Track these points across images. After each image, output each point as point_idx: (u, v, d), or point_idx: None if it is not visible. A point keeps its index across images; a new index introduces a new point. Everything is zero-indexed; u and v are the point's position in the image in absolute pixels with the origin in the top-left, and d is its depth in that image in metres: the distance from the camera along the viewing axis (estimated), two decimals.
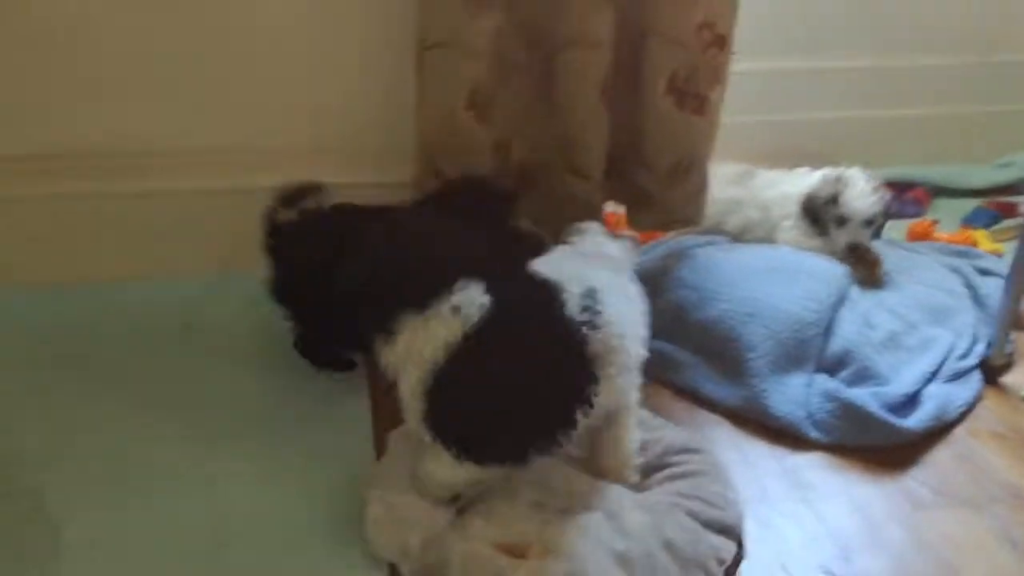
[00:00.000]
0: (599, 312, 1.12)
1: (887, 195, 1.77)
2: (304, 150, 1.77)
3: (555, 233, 1.72)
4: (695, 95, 1.61)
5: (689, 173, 1.68)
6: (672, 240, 1.84)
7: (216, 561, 1.15)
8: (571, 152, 1.64)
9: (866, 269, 1.71)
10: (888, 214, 1.79)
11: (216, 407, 1.43)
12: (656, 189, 1.69)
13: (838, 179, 1.75)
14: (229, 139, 1.75)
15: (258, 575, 1.15)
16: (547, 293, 1.12)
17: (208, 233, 1.74)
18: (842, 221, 1.72)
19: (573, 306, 1.11)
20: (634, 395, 1.23)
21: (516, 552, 1.08)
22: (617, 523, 1.13)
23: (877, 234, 1.78)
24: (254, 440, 1.36)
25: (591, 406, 1.11)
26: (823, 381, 1.46)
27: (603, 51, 1.56)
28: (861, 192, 1.72)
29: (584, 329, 1.10)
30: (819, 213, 1.74)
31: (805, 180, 1.80)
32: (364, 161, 1.77)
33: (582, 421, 1.11)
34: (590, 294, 1.13)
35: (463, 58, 1.53)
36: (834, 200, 1.73)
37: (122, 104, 1.70)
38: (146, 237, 1.75)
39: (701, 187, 1.72)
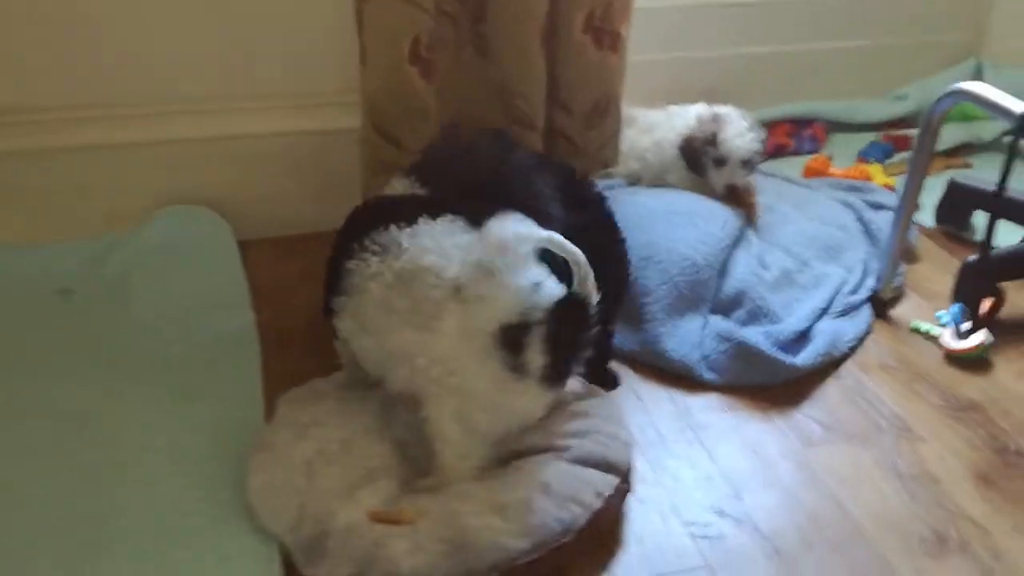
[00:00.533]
0: None
1: (763, 132, 1.77)
2: (235, 99, 1.71)
3: None
4: (610, 32, 1.60)
5: (606, 114, 1.68)
6: None
7: (95, 547, 1.10)
8: (512, 101, 1.60)
9: (744, 209, 1.71)
10: (764, 152, 1.78)
11: (91, 375, 1.37)
12: (575, 132, 1.68)
13: (713, 119, 1.73)
14: (148, 90, 1.68)
15: (141, 550, 1.11)
16: None
17: (97, 193, 1.67)
18: (721, 162, 1.71)
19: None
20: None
21: (389, 519, 1.07)
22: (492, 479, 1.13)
23: (752, 171, 1.76)
24: (134, 407, 1.31)
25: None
26: (717, 322, 1.47)
27: None
28: (738, 132, 1.70)
29: None
30: (697, 155, 1.72)
31: (680, 122, 1.78)
32: (305, 110, 1.72)
33: None
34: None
35: (402, 7, 1.46)
36: (711, 142, 1.71)
37: (8, 59, 1.61)
38: (26, 199, 1.67)
39: (616, 128, 1.72)
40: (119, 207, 1.69)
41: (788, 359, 1.41)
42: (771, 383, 1.41)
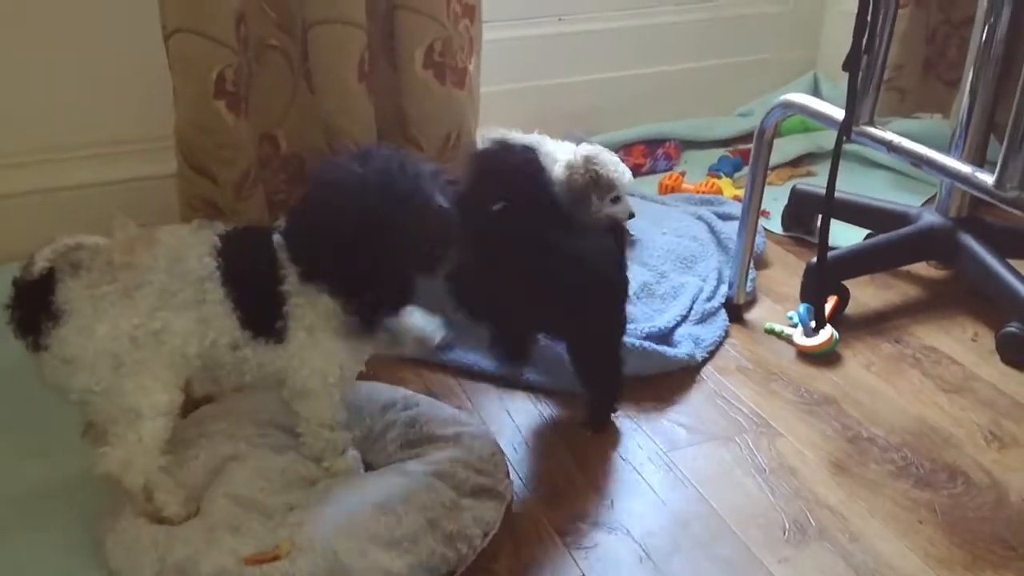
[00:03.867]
0: None
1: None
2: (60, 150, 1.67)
3: None
4: (453, 68, 1.61)
5: (458, 148, 1.68)
6: None
7: None
8: (338, 138, 1.59)
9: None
10: None
11: None
12: None
13: (588, 161, 1.75)
14: None
15: None
16: None
17: None
18: (616, 199, 1.76)
19: None
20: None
21: (266, 559, 1.05)
22: (380, 507, 1.13)
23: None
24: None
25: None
26: None
27: (355, 29, 1.52)
28: (615, 166, 1.75)
29: None
30: (582, 196, 1.74)
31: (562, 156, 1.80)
32: (126, 157, 1.69)
33: None
34: None
35: (203, 43, 1.44)
36: (596, 183, 1.74)
37: None
38: None
39: None
40: None
41: (653, 347, 1.46)
42: (642, 376, 1.46)
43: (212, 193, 1.53)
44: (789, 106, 1.50)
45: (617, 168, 1.76)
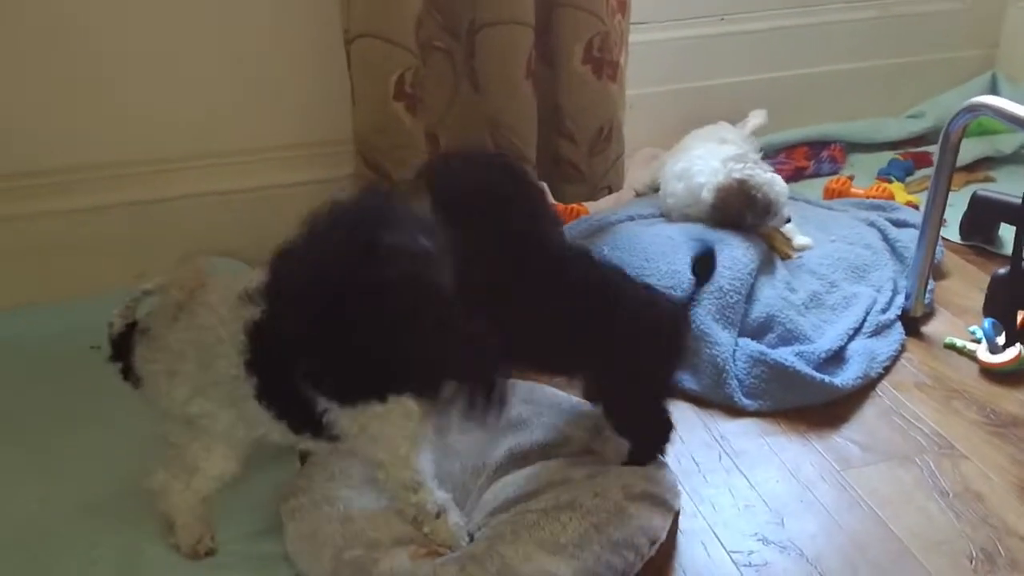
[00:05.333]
0: None
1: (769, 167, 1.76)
2: (238, 154, 1.73)
3: None
4: (609, 62, 1.62)
5: (610, 140, 1.69)
6: (594, 217, 1.83)
7: None
8: (503, 135, 1.62)
9: (780, 243, 1.71)
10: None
11: (128, 424, 1.37)
12: (580, 159, 1.69)
13: (743, 185, 1.67)
14: (171, 148, 1.70)
15: None
16: None
17: (120, 248, 1.69)
18: (767, 215, 1.70)
19: None
20: None
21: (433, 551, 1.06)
22: (545, 512, 1.12)
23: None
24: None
25: None
26: (747, 345, 1.46)
27: (524, 28, 1.54)
28: (772, 185, 1.68)
29: None
30: (739, 215, 1.69)
31: (708, 167, 1.74)
32: (303, 160, 1.74)
33: None
34: None
35: (386, 47, 1.49)
36: (752, 207, 1.67)
37: (24, 122, 1.63)
38: (50, 257, 1.69)
39: (620, 153, 1.73)
40: (149, 261, 1.70)
41: (827, 379, 1.39)
42: (809, 405, 1.40)
43: None
44: (978, 108, 1.41)
45: (773, 188, 1.68)
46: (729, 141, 1.86)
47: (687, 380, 1.44)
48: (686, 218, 1.76)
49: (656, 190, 1.87)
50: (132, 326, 1.10)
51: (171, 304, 1.08)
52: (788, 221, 1.73)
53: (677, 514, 1.20)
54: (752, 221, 1.68)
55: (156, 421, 1.13)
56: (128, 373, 1.10)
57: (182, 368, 1.05)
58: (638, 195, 1.93)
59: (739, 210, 1.68)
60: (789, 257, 1.69)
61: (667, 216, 1.80)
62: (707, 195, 1.70)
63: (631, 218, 1.79)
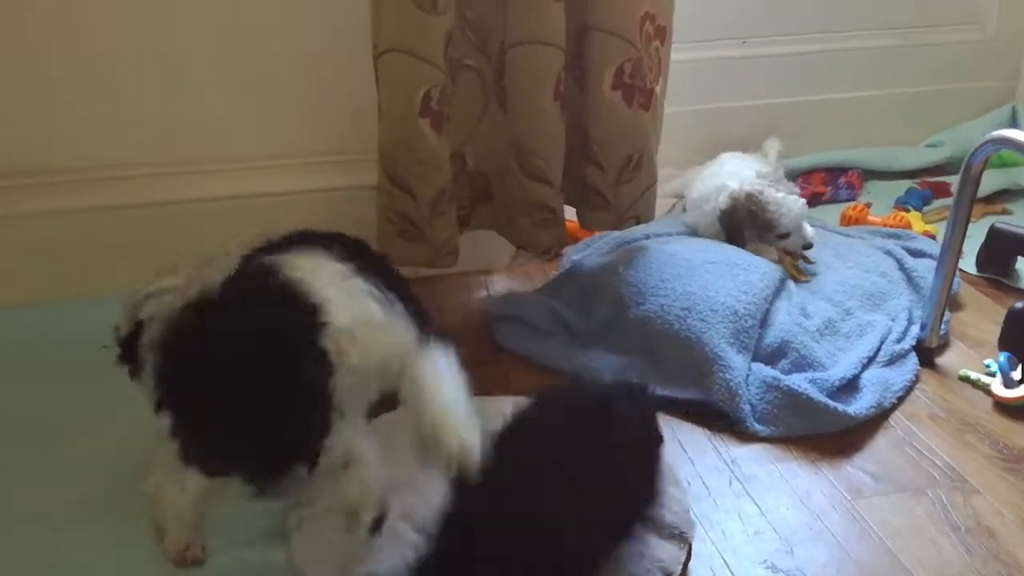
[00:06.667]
0: None
1: (797, 189, 1.79)
2: (259, 159, 1.74)
3: (516, 239, 1.70)
4: (641, 89, 1.59)
5: (639, 169, 1.66)
6: (610, 235, 1.83)
7: None
8: (528, 157, 1.60)
9: (791, 266, 1.72)
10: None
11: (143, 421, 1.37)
12: (607, 187, 1.66)
13: (749, 198, 1.73)
14: (171, 153, 1.70)
15: None
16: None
17: (140, 248, 1.69)
18: (784, 235, 1.72)
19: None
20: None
21: None
22: None
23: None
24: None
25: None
26: (760, 370, 1.45)
27: (554, 50, 1.52)
28: (779, 205, 1.71)
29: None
30: (738, 229, 1.74)
31: (742, 176, 1.79)
32: (327, 165, 1.75)
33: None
34: None
35: (413, 63, 1.47)
36: (753, 221, 1.72)
37: (48, 120, 1.64)
38: (68, 255, 1.69)
39: (651, 182, 1.70)
40: (164, 262, 1.70)
41: (841, 407, 1.39)
42: (822, 433, 1.39)
43: (409, 208, 1.56)
44: (1002, 141, 1.41)
45: (779, 208, 1.70)
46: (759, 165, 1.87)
47: (699, 403, 1.43)
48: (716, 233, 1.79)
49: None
50: (139, 326, 1.11)
51: (180, 304, 1.08)
52: (809, 247, 1.73)
53: (690, 546, 1.19)
54: (752, 235, 1.72)
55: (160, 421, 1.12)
56: (136, 373, 1.11)
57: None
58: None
59: (740, 221, 1.72)
60: (801, 280, 1.69)
61: (694, 230, 1.83)
62: (721, 200, 1.74)
63: (647, 236, 1.78)
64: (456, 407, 1.00)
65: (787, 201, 1.71)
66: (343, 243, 1.18)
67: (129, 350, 1.11)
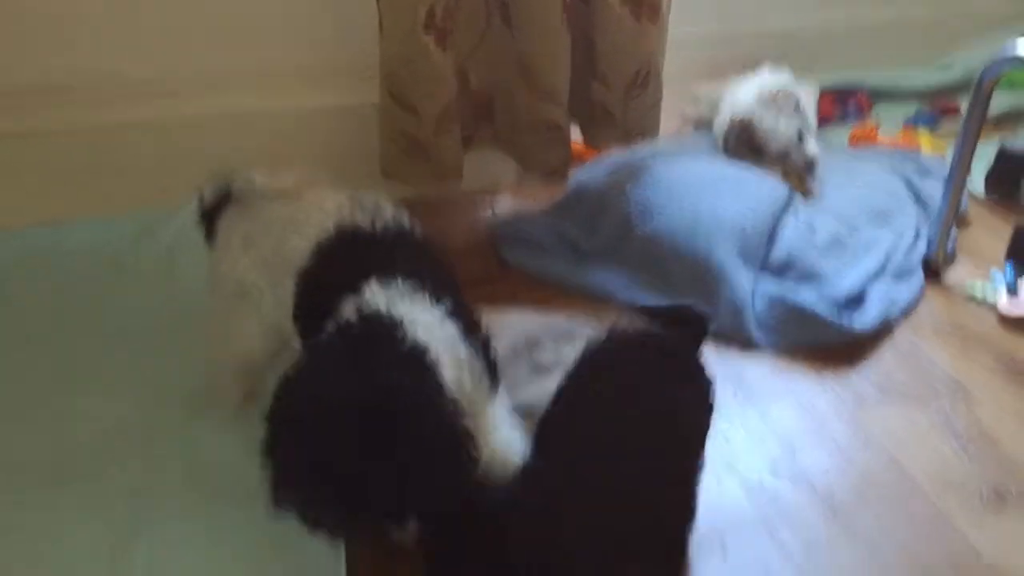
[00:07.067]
0: None
1: (796, 108, 1.78)
2: (264, 74, 1.72)
3: (522, 160, 1.69)
4: (649, 3, 1.57)
5: (646, 85, 1.65)
6: (617, 155, 1.82)
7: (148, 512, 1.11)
8: (535, 75, 1.58)
9: (795, 181, 1.71)
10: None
11: (144, 340, 1.38)
12: (614, 104, 1.65)
13: (742, 125, 1.74)
14: (190, 68, 1.70)
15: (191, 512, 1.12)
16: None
17: (143, 168, 1.69)
18: (765, 153, 1.73)
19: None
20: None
21: None
22: None
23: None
24: (190, 374, 1.30)
25: None
26: (767, 284, 1.46)
27: None
28: (774, 132, 1.72)
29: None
30: (738, 150, 1.75)
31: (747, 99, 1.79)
32: (328, 83, 1.73)
33: None
34: None
35: None
36: (749, 148, 1.73)
37: (47, 37, 1.63)
38: (72, 176, 1.68)
39: (657, 99, 1.69)
40: (167, 182, 1.70)
41: (846, 322, 1.39)
42: (826, 345, 1.39)
43: (413, 126, 1.55)
44: (1015, 60, 1.39)
45: (774, 132, 1.71)
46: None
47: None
48: None
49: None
50: (226, 197, 1.18)
51: (277, 187, 1.15)
52: (811, 165, 1.72)
53: None
54: (750, 158, 1.73)
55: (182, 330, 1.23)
56: (210, 235, 1.20)
57: (262, 240, 1.12)
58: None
59: (736, 147, 1.74)
60: (809, 193, 1.68)
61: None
62: (720, 126, 1.78)
63: (654, 156, 1.77)
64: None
65: (778, 127, 1.71)
66: (432, 269, 1.06)
67: (211, 213, 1.20)
